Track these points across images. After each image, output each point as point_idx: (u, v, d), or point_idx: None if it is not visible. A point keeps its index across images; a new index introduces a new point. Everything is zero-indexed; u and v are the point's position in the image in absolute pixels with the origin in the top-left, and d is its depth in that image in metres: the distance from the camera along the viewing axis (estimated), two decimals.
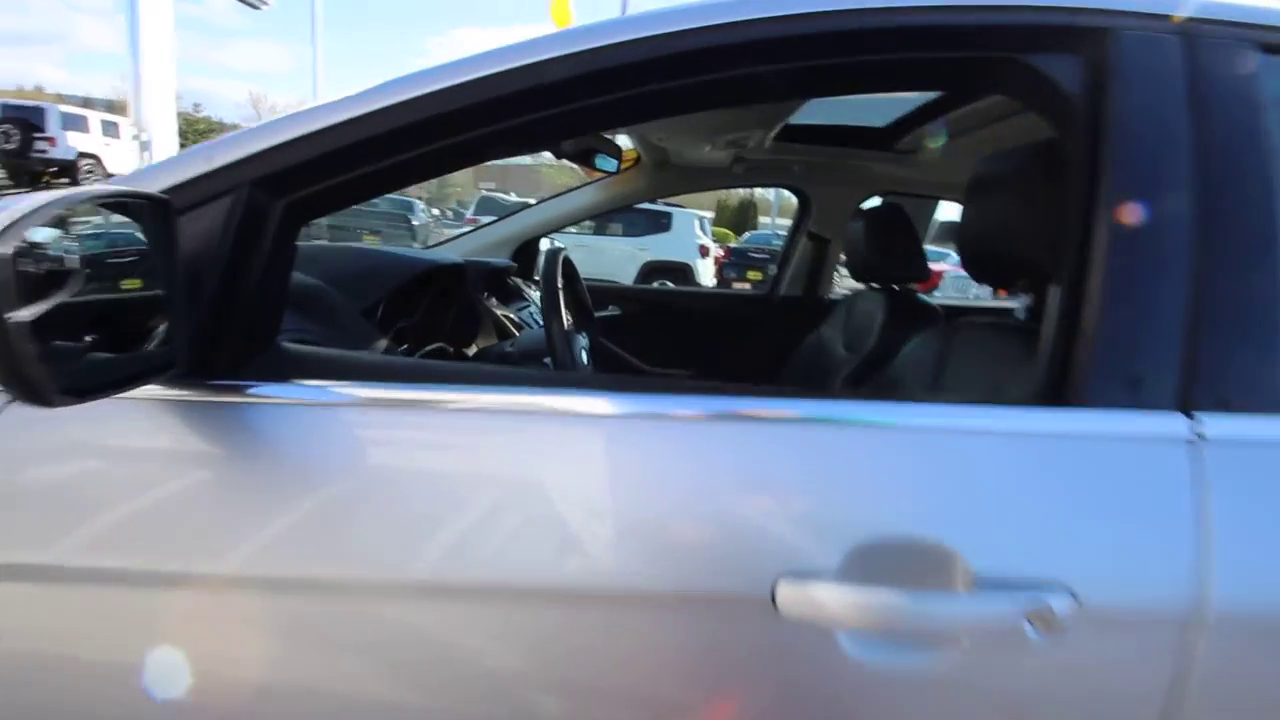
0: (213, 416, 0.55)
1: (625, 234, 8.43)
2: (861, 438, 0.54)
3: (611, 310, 2.17)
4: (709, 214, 9.61)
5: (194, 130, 24.00)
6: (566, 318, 1.02)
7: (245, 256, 0.56)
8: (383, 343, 1.11)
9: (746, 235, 11.86)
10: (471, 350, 1.48)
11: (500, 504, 0.53)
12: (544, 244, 2.12)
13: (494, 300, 1.69)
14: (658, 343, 2.12)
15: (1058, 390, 0.55)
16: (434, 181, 31.17)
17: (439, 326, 1.40)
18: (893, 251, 1.50)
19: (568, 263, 1.14)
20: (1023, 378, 0.63)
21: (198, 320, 0.54)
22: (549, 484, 0.53)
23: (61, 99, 14.49)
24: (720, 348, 2.15)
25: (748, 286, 9.54)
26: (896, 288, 1.57)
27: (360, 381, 0.56)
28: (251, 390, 0.55)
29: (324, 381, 0.56)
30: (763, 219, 23.26)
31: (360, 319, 1.09)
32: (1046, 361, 0.57)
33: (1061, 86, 0.58)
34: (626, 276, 8.19)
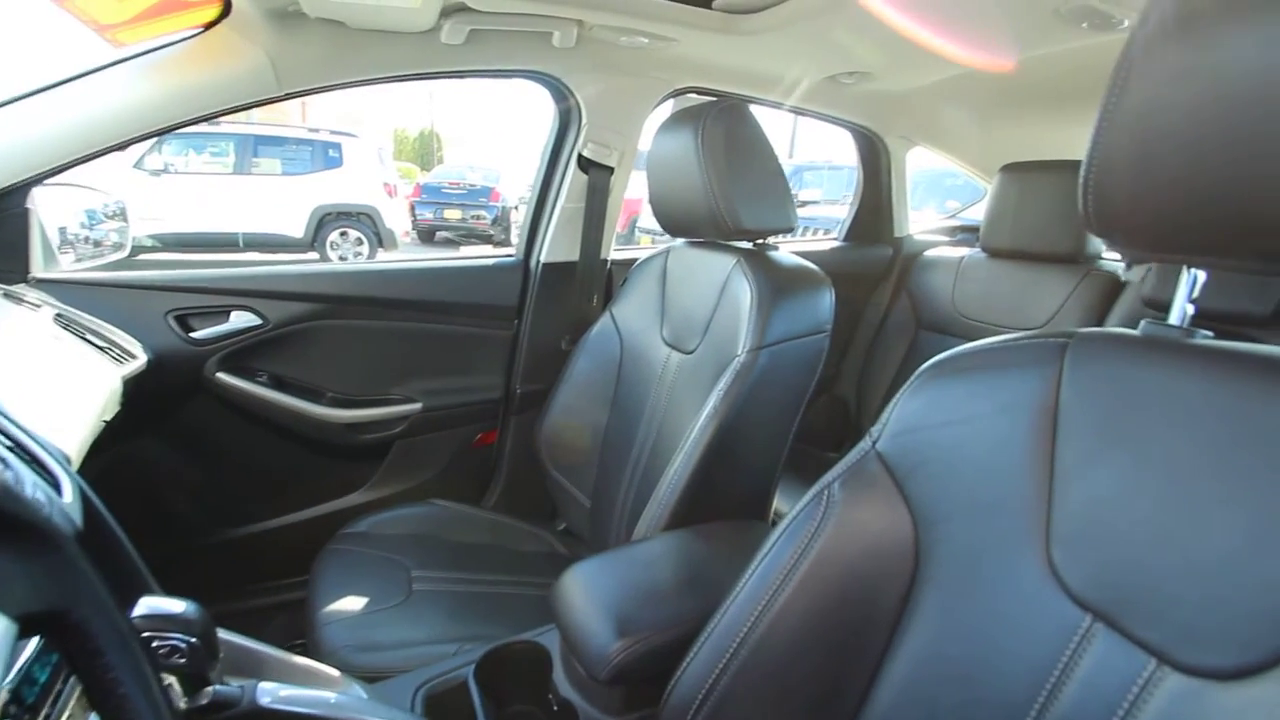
0: None
1: (285, 172, 6.78)
2: None
3: (249, 319, 1.23)
4: (388, 145, 8.33)
5: None
6: None
7: None
8: None
9: (437, 169, 10.80)
10: None
11: None
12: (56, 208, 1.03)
13: None
14: (354, 354, 1.33)
15: None
16: None
17: None
18: (752, 182, 1.02)
19: None
20: None
21: None
22: None
23: None
24: (459, 352, 1.42)
25: (449, 236, 8.77)
26: (753, 244, 1.09)
27: None
28: None
29: None
30: (448, 152, 21.56)
31: None
32: None
33: None
34: (296, 230, 6.71)
